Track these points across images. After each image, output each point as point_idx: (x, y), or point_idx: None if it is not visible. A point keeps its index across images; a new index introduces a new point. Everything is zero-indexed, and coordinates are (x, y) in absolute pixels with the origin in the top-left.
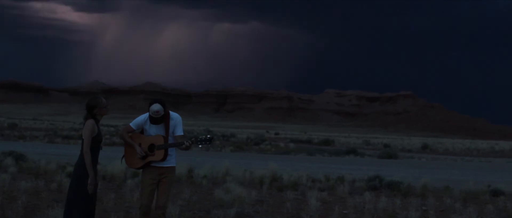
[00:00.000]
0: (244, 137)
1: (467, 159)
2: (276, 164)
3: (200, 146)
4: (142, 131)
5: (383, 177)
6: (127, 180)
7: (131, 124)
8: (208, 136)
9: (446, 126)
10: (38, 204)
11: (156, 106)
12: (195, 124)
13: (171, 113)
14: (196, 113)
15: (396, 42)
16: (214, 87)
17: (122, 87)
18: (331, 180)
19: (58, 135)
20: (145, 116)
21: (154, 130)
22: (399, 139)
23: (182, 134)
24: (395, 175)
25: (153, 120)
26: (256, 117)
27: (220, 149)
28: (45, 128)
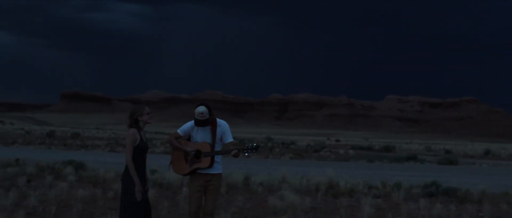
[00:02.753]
0: (304, 144)
1: None
2: (334, 171)
3: (246, 154)
4: (189, 138)
5: (440, 183)
6: (183, 188)
7: (178, 130)
8: (254, 144)
9: (510, 131)
10: (93, 212)
11: (201, 108)
12: (256, 132)
13: (218, 120)
14: (257, 121)
15: (458, 47)
16: (275, 95)
17: (183, 96)
18: (387, 187)
19: (119, 143)
20: (192, 122)
21: (201, 137)
22: (461, 144)
23: (231, 140)
24: (453, 181)
25: (198, 122)
26: (317, 124)
27: (280, 156)
28: (107, 137)
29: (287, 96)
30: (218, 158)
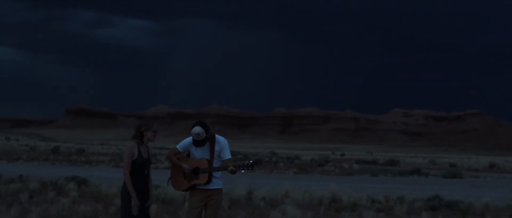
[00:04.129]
0: (308, 158)
1: None
2: (337, 185)
3: (242, 171)
4: (188, 153)
5: (443, 196)
6: (185, 203)
7: (177, 146)
8: (250, 161)
9: None
10: None
11: (197, 129)
12: (261, 146)
13: (217, 136)
14: (262, 135)
15: (462, 60)
16: (280, 109)
17: (188, 111)
18: (390, 201)
19: (124, 159)
20: (191, 138)
21: (199, 153)
22: (466, 158)
23: (229, 157)
24: (457, 194)
25: (195, 142)
26: (322, 138)
27: (284, 171)
28: (112, 153)
29: (291, 111)
30: (217, 173)
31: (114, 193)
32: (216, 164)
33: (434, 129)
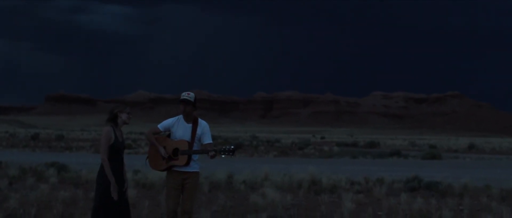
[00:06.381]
0: (289, 142)
1: None
2: (317, 168)
3: (223, 155)
4: (168, 134)
5: (422, 177)
6: (165, 188)
7: (159, 126)
8: (232, 146)
9: (495, 126)
10: (73, 213)
11: (187, 92)
12: (242, 130)
13: (199, 119)
14: (243, 119)
15: (442, 42)
16: (261, 93)
17: (168, 96)
18: (370, 182)
19: (101, 144)
20: (173, 119)
21: (180, 134)
22: (446, 139)
23: (210, 142)
24: (436, 175)
25: (184, 101)
26: (303, 122)
27: (264, 154)
28: (92, 138)
29: (272, 95)
30: (195, 157)
31: (94, 178)
32: (195, 147)
33: (414, 111)
